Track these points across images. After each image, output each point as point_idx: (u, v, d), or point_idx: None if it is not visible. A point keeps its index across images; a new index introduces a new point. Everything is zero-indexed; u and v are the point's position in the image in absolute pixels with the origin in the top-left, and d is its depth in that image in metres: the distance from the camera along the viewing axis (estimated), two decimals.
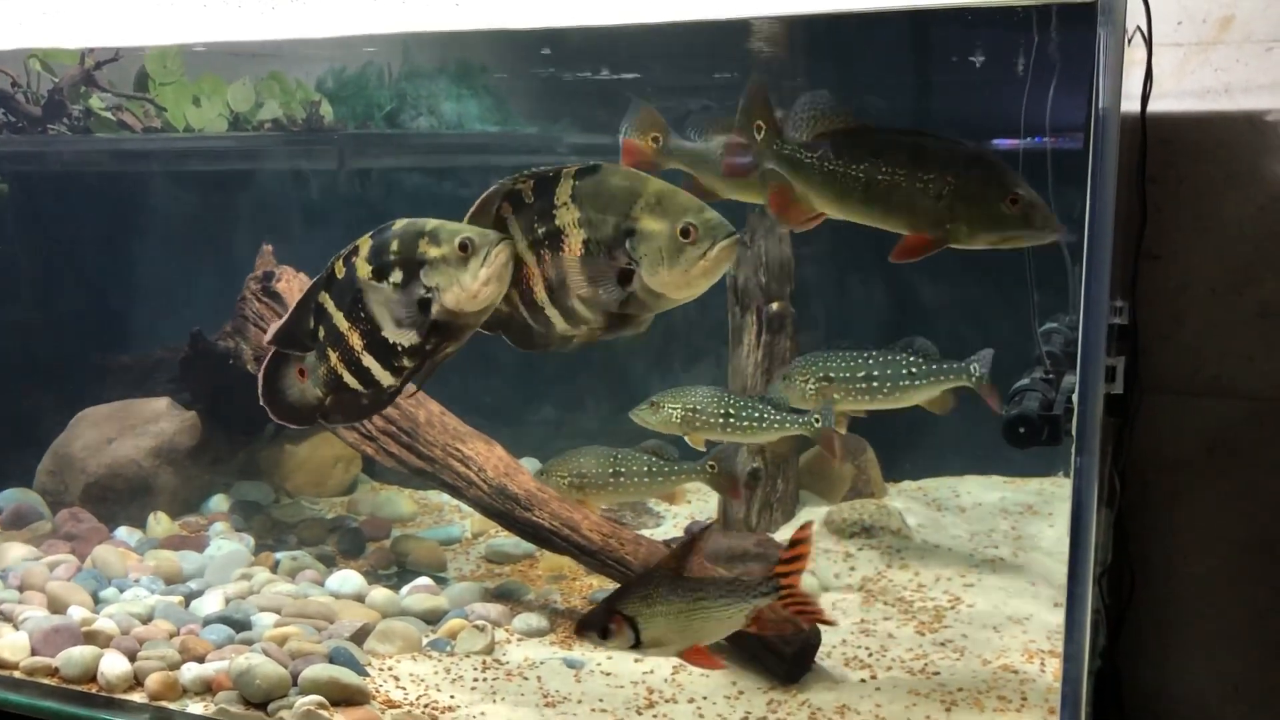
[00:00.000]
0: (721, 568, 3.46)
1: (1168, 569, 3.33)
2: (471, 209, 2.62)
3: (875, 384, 3.18)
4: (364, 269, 2.68)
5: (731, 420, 3.27)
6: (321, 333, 2.76)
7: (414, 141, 4.88)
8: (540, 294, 2.60)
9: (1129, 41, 2.78)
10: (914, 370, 3.17)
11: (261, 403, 2.85)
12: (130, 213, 4.88)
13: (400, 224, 2.67)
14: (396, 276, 2.63)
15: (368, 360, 2.71)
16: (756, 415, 3.26)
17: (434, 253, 2.59)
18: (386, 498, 4.56)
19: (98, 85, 4.57)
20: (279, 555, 3.99)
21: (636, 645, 2.62)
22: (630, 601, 2.62)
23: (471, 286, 2.55)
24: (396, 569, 4.00)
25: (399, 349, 2.67)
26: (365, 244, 2.69)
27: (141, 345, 4.72)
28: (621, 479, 3.37)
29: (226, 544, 4.05)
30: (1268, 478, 3.21)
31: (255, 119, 4.70)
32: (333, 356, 2.75)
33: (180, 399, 4.50)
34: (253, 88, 4.68)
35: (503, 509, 3.63)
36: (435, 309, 2.60)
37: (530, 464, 3.95)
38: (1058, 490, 4.36)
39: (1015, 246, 2.57)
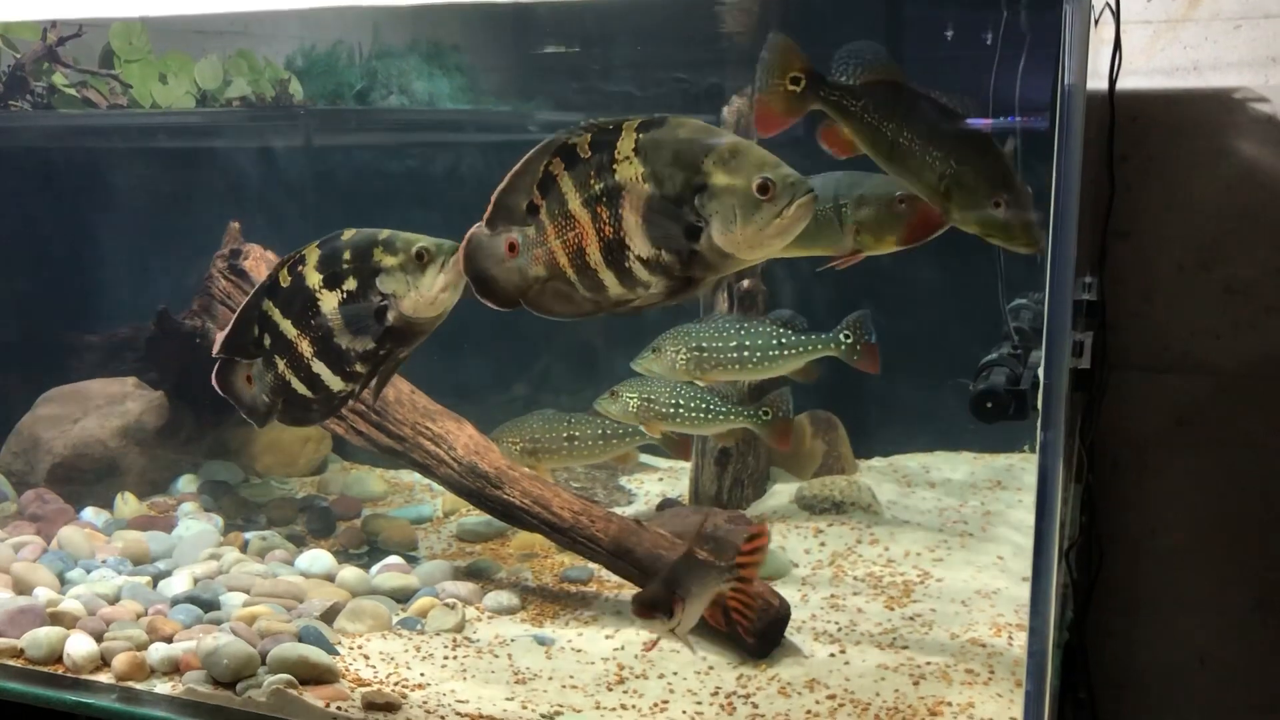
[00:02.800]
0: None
1: (1136, 543, 3.36)
2: (516, 166, 2.43)
3: (746, 354, 3.26)
4: (313, 277, 2.73)
5: (681, 411, 3.40)
6: (268, 341, 2.81)
7: (384, 119, 4.84)
8: (594, 255, 2.41)
9: (1096, 21, 2.79)
10: (782, 340, 3.24)
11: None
12: (96, 190, 4.82)
13: (350, 233, 2.72)
14: (350, 284, 2.70)
15: (318, 367, 2.77)
16: (704, 407, 3.40)
17: (389, 261, 2.65)
18: (357, 477, 4.54)
19: (61, 61, 4.51)
20: (248, 535, 3.97)
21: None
22: (685, 584, 2.63)
23: (429, 293, 2.63)
24: (367, 548, 3.98)
25: (351, 354, 2.74)
26: (313, 253, 2.74)
27: (107, 324, 4.67)
28: (575, 442, 3.44)
29: (195, 524, 4.02)
30: (1235, 453, 3.24)
31: (223, 96, 4.65)
32: (280, 364, 2.80)
33: (147, 378, 4.45)
34: (220, 65, 4.63)
35: (473, 487, 3.62)
36: (391, 315, 2.67)
37: None
38: (1027, 466, 4.39)
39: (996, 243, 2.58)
